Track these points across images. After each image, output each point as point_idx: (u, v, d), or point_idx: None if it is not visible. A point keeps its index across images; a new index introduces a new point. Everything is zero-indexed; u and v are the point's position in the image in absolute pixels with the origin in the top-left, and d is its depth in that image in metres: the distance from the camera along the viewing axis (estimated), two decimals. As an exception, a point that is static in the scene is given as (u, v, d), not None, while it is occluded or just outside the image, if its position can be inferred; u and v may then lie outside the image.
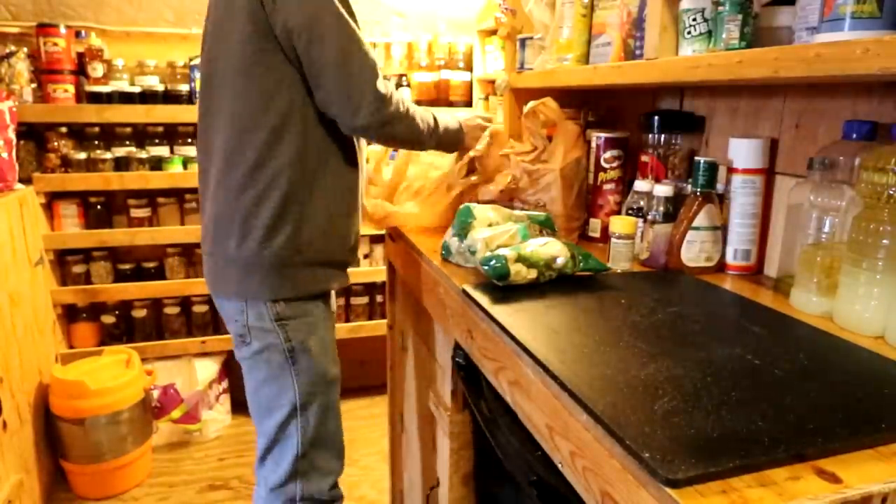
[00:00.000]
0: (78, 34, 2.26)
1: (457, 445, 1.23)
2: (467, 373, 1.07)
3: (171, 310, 2.45)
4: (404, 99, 1.26)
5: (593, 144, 1.40)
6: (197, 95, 2.23)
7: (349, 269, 1.38)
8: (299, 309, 1.26)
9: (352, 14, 1.21)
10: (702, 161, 1.12)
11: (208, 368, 2.44)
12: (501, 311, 0.92)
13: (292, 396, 1.25)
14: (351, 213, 1.34)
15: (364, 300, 2.66)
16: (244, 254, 1.20)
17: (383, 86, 1.20)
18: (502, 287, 1.01)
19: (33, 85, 2.18)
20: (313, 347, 1.26)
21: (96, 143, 2.30)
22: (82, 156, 2.25)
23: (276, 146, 1.18)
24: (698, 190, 1.13)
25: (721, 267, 1.17)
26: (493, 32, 2.32)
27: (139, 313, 2.45)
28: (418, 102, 2.50)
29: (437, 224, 1.45)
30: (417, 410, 1.52)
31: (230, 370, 2.51)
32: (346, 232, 1.33)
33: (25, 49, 2.16)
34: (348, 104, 1.17)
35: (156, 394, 2.27)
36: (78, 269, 2.35)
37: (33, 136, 2.22)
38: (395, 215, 1.47)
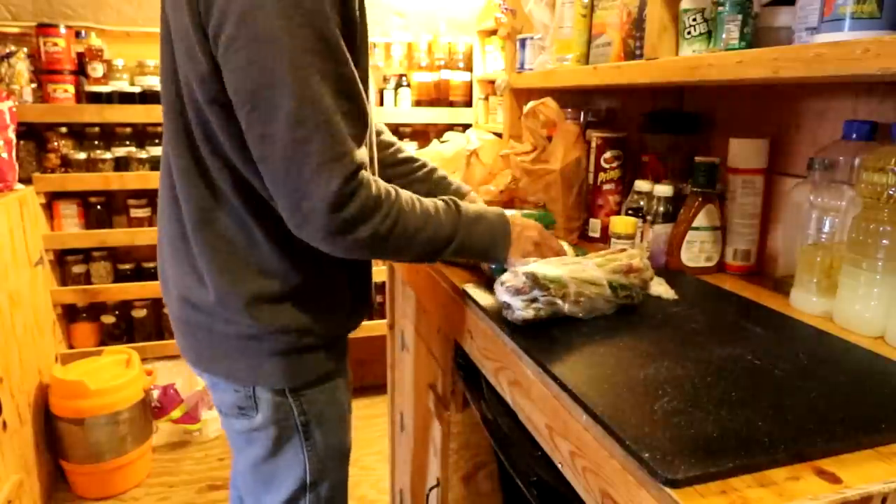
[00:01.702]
0: (78, 34, 2.26)
1: (457, 445, 1.22)
2: (467, 373, 1.07)
3: (171, 310, 2.45)
4: (394, 193, 0.86)
5: (593, 144, 1.40)
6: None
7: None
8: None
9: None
10: (702, 161, 1.12)
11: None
12: (501, 311, 0.92)
13: (301, 473, 1.01)
14: None
15: (364, 300, 2.65)
16: None
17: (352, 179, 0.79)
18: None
19: (33, 85, 2.18)
20: (331, 417, 1.03)
21: (96, 143, 2.30)
22: (82, 156, 2.25)
23: None
24: (698, 190, 1.13)
25: (721, 267, 1.17)
26: (493, 32, 2.32)
27: (139, 313, 2.45)
28: (418, 103, 2.50)
29: None
30: (417, 410, 1.52)
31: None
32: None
33: (25, 49, 2.16)
34: (293, 216, 0.81)
35: (156, 394, 2.27)
36: (78, 269, 2.35)
37: (33, 136, 2.22)
38: None
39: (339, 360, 1.03)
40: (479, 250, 0.96)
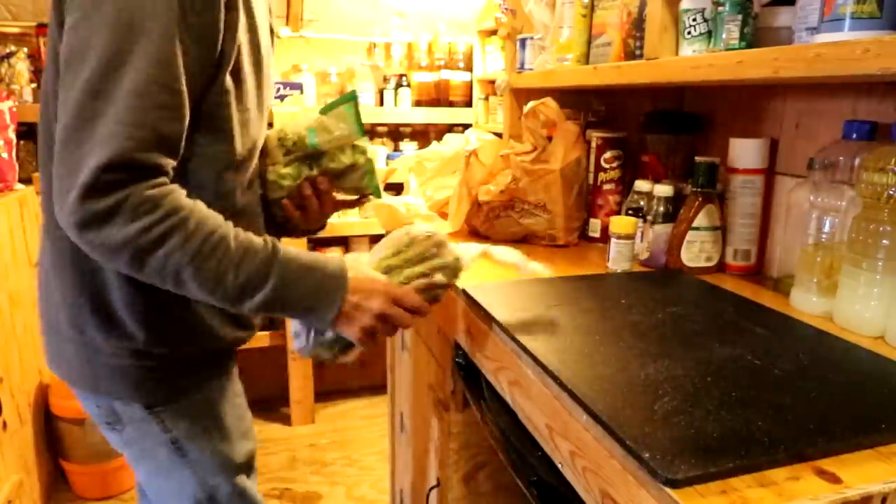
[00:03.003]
0: (78, 34, 2.26)
1: (457, 445, 1.22)
2: (467, 373, 1.07)
3: (171, 310, 2.44)
4: (194, 210, 0.74)
5: (593, 144, 1.40)
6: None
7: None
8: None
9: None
10: (702, 161, 1.12)
11: None
12: (501, 311, 0.92)
13: (193, 489, 0.97)
14: None
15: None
16: None
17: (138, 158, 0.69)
18: None
19: (33, 85, 2.18)
20: (204, 432, 0.95)
21: (96, 143, 2.30)
22: (82, 156, 2.25)
23: None
24: (698, 190, 1.13)
25: (721, 267, 1.17)
26: (493, 32, 2.32)
27: (139, 313, 2.45)
28: (418, 103, 2.50)
29: (458, 229, 1.45)
30: (417, 410, 1.52)
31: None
32: None
33: (25, 49, 2.16)
34: (57, 180, 0.71)
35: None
36: (78, 269, 2.35)
37: (33, 136, 2.21)
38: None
39: (202, 375, 0.96)
40: (297, 309, 0.81)
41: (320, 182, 1.02)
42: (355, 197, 1.10)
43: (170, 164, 0.74)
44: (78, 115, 0.69)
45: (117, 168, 0.68)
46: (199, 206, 0.75)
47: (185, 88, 0.73)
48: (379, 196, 1.06)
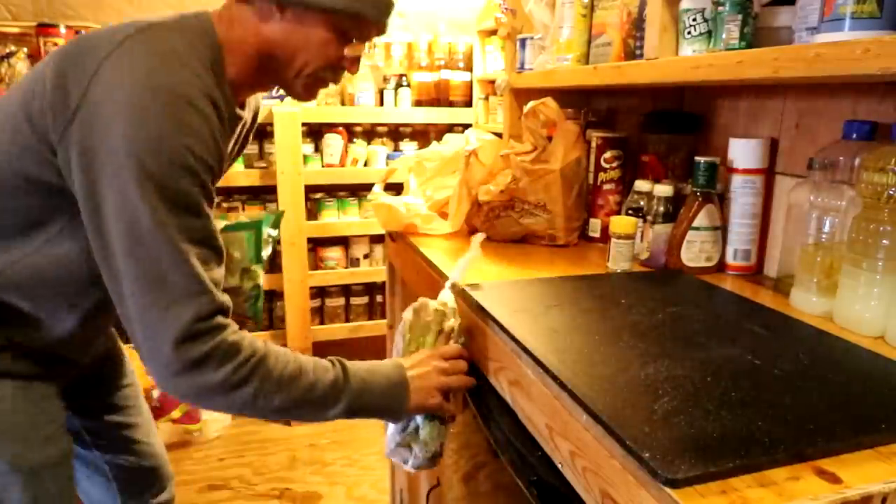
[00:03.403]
0: (78, 34, 2.26)
1: (457, 445, 1.23)
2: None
3: (171, 310, 2.45)
4: (269, 353, 0.84)
5: (593, 144, 1.40)
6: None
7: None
8: None
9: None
10: (702, 161, 1.12)
11: None
12: (501, 311, 0.92)
13: None
14: None
15: (364, 300, 2.66)
16: None
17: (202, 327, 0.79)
18: None
19: (33, 85, 2.19)
20: None
21: (96, 143, 2.30)
22: (82, 156, 2.25)
23: None
24: (698, 190, 1.13)
25: (721, 267, 1.17)
26: (493, 32, 2.32)
27: (139, 313, 2.45)
28: (418, 103, 2.51)
29: (458, 229, 1.45)
30: (417, 410, 1.52)
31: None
32: None
33: (25, 49, 2.16)
34: (142, 348, 0.81)
35: (155, 394, 2.27)
36: (78, 269, 2.35)
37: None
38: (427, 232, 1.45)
39: None
40: (375, 411, 0.92)
41: None
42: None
43: (228, 299, 0.85)
44: (147, 283, 0.79)
45: (202, 317, 0.79)
46: (269, 343, 0.87)
47: (219, 241, 0.86)
48: (258, 323, 1.07)
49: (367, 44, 0.96)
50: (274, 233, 1.07)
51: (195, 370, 0.79)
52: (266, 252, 1.05)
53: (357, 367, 0.91)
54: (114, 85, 0.77)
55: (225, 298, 0.83)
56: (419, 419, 0.95)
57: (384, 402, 0.91)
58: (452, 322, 0.99)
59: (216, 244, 0.84)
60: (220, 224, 1.01)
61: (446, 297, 1.00)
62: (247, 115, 1.05)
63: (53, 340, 0.95)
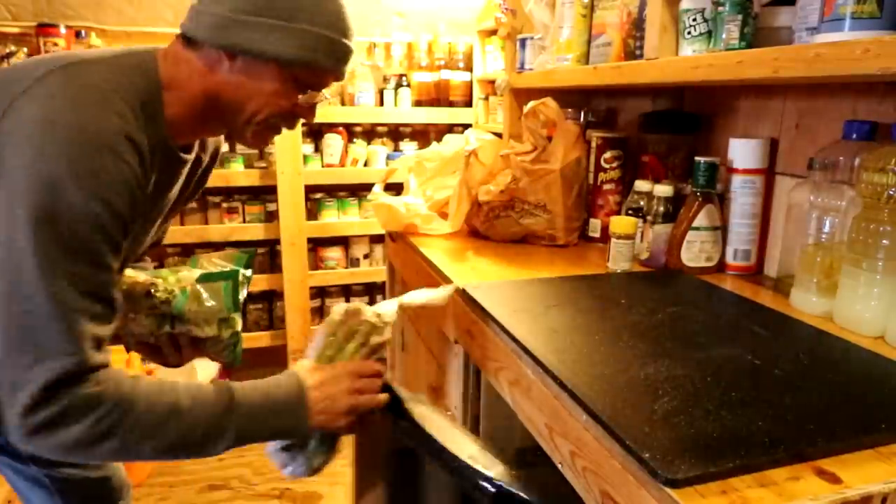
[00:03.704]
0: (78, 34, 2.26)
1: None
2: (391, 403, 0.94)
3: (171, 310, 2.45)
4: (132, 387, 0.77)
5: (593, 144, 1.40)
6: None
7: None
8: None
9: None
10: (702, 161, 1.12)
11: (208, 369, 2.44)
12: (501, 311, 0.92)
13: None
14: None
15: (364, 300, 2.66)
16: None
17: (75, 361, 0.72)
18: None
19: (33, 85, 2.18)
20: None
21: (96, 143, 2.30)
22: (82, 156, 2.25)
23: None
24: (698, 190, 1.13)
25: (721, 267, 1.17)
26: (493, 32, 2.32)
27: (139, 313, 2.45)
28: (418, 103, 2.50)
29: (458, 229, 1.45)
30: (417, 410, 1.52)
31: (230, 371, 2.52)
32: None
33: (25, 49, 2.16)
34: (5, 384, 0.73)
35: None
36: (78, 269, 2.35)
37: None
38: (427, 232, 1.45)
39: None
40: (270, 436, 0.86)
41: (180, 339, 1.00)
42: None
43: (105, 357, 0.78)
44: (17, 327, 0.71)
45: (59, 380, 0.71)
46: (141, 385, 0.78)
47: (114, 294, 0.78)
48: (236, 365, 1.04)
49: (324, 91, 0.89)
50: (249, 273, 1.05)
51: (49, 430, 0.72)
52: (242, 295, 1.03)
53: (248, 392, 0.83)
54: (24, 120, 0.72)
55: (101, 359, 0.76)
56: None
57: (280, 427, 0.84)
58: (381, 338, 0.93)
59: (110, 297, 0.78)
60: (194, 274, 0.98)
61: (386, 309, 0.95)
62: (204, 156, 1.00)
63: None
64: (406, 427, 0.88)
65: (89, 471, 1.15)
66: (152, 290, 0.96)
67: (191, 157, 0.93)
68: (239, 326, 1.01)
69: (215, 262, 1.05)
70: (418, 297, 0.98)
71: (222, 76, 0.83)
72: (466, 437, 0.86)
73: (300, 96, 0.86)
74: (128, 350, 1.01)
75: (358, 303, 0.95)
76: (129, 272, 0.96)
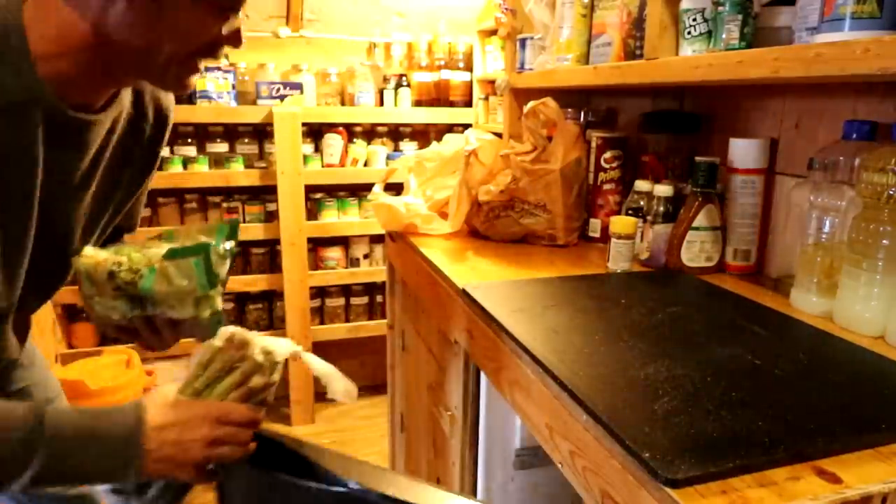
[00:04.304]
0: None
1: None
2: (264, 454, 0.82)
3: (171, 310, 2.45)
4: None
5: (593, 144, 1.40)
6: (194, 97, 2.24)
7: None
8: None
9: None
10: (702, 161, 1.12)
11: (285, 347, 2.42)
12: (501, 311, 0.92)
13: None
14: None
15: (364, 300, 2.66)
16: None
17: None
18: None
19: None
20: None
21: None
22: (82, 156, 2.25)
23: None
24: (698, 190, 1.13)
25: (721, 267, 1.17)
26: (493, 32, 2.32)
27: (139, 313, 2.44)
28: (418, 103, 2.51)
29: (458, 229, 1.45)
30: (417, 410, 1.52)
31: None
32: None
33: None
34: None
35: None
36: (78, 269, 2.35)
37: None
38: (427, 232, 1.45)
39: None
40: (85, 479, 0.73)
41: (156, 321, 0.88)
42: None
43: None
44: None
45: None
46: None
47: None
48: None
49: (241, 13, 0.75)
50: (229, 246, 0.92)
51: None
52: (223, 270, 0.90)
53: (67, 419, 0.70)
54: None
55: None
56: None
57: (102, 468, 0.71)
58: (264, 380, 0.82)
59: None
60: (161, 249, 0.88)
61: (279, 348, 0.86)
62: (144, 121, 0.89)
63: None
64: (281, 480, 0.74)
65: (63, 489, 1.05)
66: (115, 270, 0.85)
67: (97, 117, 0.78)
68: (219, 305, 0.90)
69: (194, 236, 0.93)
70: (318, 366, 0.87)
71: (121, 16, 0.67)
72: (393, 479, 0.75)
73: (223, 26, 0.73)
74: (106, 336, 0.94)
75: (249, 333, 0.84)
76: (88, 251, 0.85)
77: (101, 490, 0.81)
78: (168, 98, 0.93)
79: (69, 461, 0.69)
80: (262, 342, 0.84)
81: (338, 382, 0.87)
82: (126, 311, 0.86)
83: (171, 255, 0.87)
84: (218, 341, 0.81)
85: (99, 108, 0.78)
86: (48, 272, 0.86)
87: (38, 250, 0.78)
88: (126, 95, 0.84)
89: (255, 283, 2.44)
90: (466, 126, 2.48)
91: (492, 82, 2.30)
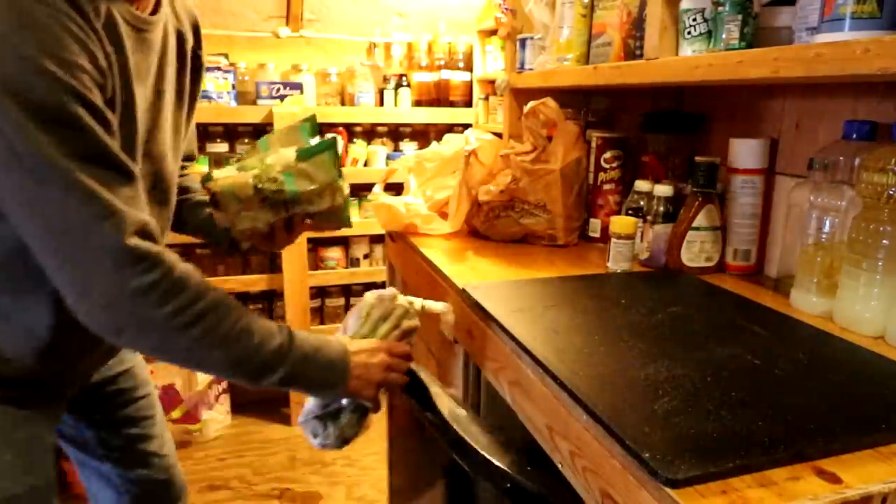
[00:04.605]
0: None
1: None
2: (413, 386, 0.98)
3: (171, 310, 2.45)
4: (202, 286, 0.75)
5: (593, 144, 1.40)
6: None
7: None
8: None
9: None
10: (702, 161, 1.12)
11: (435, 305, 2.41)
12: (501, 311, 0.92)
13: None
14: None
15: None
16: None
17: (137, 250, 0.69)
18: None
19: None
20: None
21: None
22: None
23: None
24: (698, 190, 1.13)
25: (721, 267, 1.17)
26: (493, 32, 2.32)
27: (139, 313, 2.44)
28: (418, 103, 2.51)
29: (458, 229, 1.45)
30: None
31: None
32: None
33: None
34: (73, 292, 0.71)
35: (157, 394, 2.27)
36: (78, 269, 2.35)
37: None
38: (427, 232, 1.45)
39: None
40: (309, 387, 0.89)
41: (296, 220, 1.01)
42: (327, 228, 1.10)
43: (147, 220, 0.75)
44: (52, 213, 0.69)
45: (130, 236, 0.69)
46: (219, 291, 0.78)
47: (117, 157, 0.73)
48: (349, 226, 1.07)
49: None
50: (315, 140, 1.01)
51: (136, 300, 0.69)
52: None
53: (304, 339, 0.85)
54: None
55: (142, 218, 0.71)
56: (345, 401, 0.94)
57: (321, 380, 0.87)
58: (412, 323, 0.98)
59: (115, 161, 0.70)
60: (289, 153, 0.95)
61: (416, 300, 1.01)
62: (183, 29, 0.93)
63: (27, 354, 0.85)
64: (429, 417, 0.92)
65: (157, 473, 1.17)
66: (257, 184, 0.93)
67: (154, 18, 0.82)
68: (347, 190, 1.02)
69: (285, 138, 1.01)
70: (437, 306, 1.05)
71: None
72: (479, 427, 0.90)
73: None
74: (242, 251, 1.03)
75: (391, 288, 1.00)
76: (217, 174, 0.93)
77: (302, 420, 0.97)
78: (192, 5, 0.98)
79: (304, 372, 0.84)
80: (403, 296, 1.00)
81: (450, 315, 1.06)
82: (270, 217, 0.96)
83: (305, 155, 0.96)
84: (370, 297, 0.98)
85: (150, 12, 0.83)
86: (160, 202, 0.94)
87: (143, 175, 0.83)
88: (166, 2, 0.88)
89: (255, 283, 2.44)
90: (466, 126, 2.49)
91: (492, 82, 2.30)
